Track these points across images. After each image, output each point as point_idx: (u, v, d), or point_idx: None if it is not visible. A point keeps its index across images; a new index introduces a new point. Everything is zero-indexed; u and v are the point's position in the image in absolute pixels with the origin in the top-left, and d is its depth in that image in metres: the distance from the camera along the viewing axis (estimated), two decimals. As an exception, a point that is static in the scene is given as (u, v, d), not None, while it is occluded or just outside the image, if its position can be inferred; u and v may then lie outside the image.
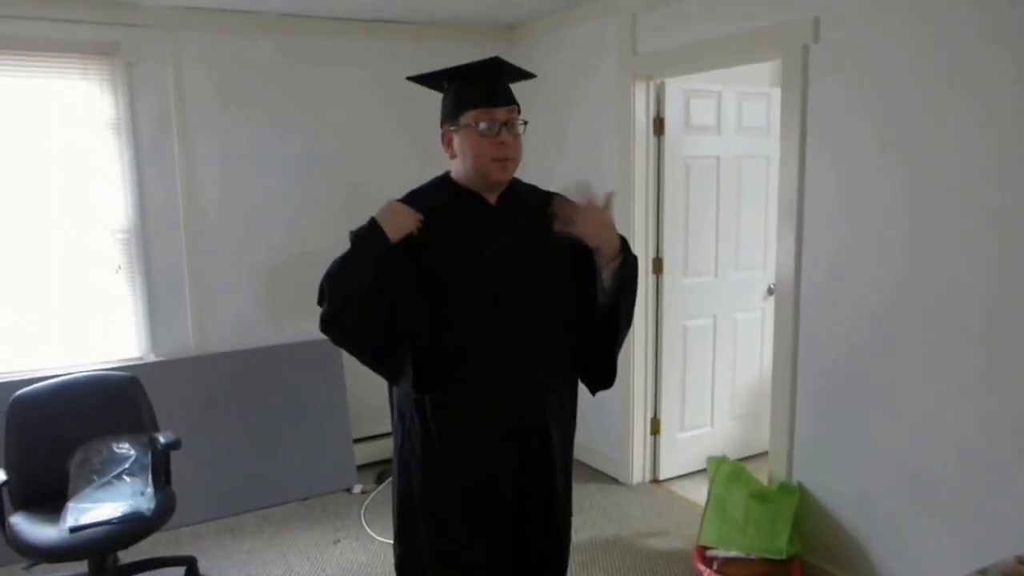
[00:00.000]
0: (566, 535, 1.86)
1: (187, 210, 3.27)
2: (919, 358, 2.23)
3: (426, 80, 1.71)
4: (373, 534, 3.03)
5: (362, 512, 3.23)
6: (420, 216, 1.60)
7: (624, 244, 1.73)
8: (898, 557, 2.34)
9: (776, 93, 3.23)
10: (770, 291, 3.51)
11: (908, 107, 2.20)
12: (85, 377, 2.65)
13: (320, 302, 1.61)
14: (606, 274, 1.70)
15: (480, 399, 1.66)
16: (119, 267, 3.20)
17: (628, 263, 1.72)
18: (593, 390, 1.88)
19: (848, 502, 2.49)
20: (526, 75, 1.74)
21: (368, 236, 1.58)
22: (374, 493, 3.40)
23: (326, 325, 1.60)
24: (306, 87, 3.46)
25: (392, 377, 1.71)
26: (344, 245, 1.61)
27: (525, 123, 1.67)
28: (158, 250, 3.24)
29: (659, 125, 3.24)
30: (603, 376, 1.83)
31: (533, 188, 1.82)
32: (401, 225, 1.58)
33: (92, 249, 3.14)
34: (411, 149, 3.54)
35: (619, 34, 3.22)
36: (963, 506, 2.15)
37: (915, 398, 2.25)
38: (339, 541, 2.99)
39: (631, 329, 3.33)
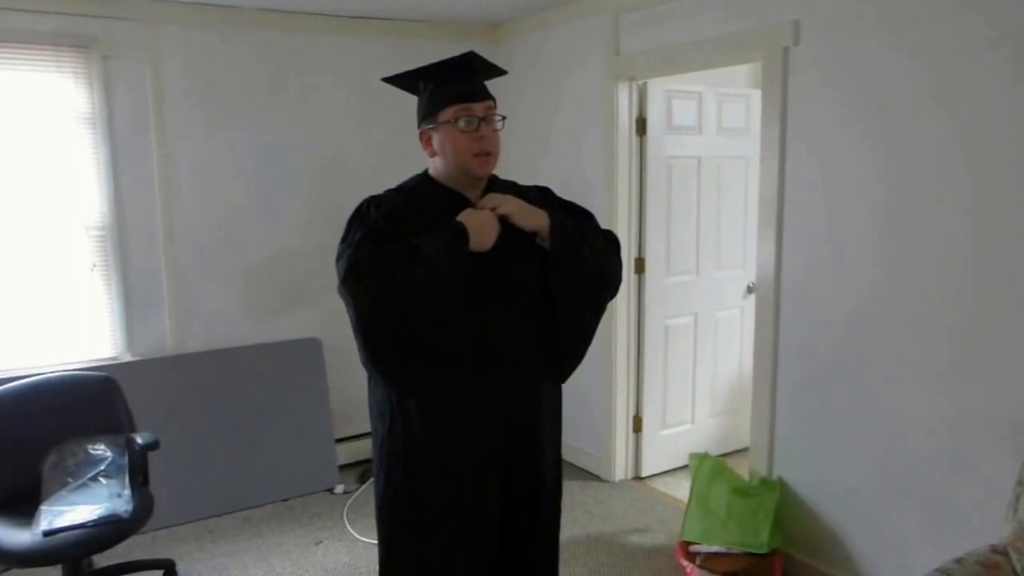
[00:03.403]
0: (555, 534, 1.86)
1: (164, 207, 3.21)
2: (897, 354, 2.28)
3: (401, 80, 1.71)
4: (356, 534, 3.01)
5: (344, 512, 3.20)
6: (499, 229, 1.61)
7: (556, 221, 1.69)
8: (876, 548, 2.39)
9: (755, 95, 3.29)
10: (749, 289, 3.57)
11: (886, 109, 2.25)
12: (58, 377, 2.59)
13: (352, 280, 1.54)
14: (550, 254, 1.68)
15: (465, 397, 1.65)
16: (94, 265, 3.13)
17: (559, 233, 1.67)
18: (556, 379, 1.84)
19: (827, 495, 2.53)
20: (498, 71, 1.75)
21: (452, 239, 1.56)
22: (357, 493, 3.37)
23: (375, 306, 1.54)
24: (287, 84, 3.42)
25: (400, 371, 1.63)
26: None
27: (503, 118, 1.68)
28: (134, 248, 3.18)
29: (642, 125, 3.27)
30: (563, 363, 1.80)
31: (512, 184, 1.83)
32: (488, 240, 1.59)
33: (66, 247, 3.07)
34: (393, 147, 3.52)
35: (602, 34, 3.24)
36: (940, 498, 2.20)
37: (893, 393, 2.30)
38: (321, 542, 2.96)
39: (613, 327, 3.36)
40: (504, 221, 1.65)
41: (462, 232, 1.58)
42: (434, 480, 1.66)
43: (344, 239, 1.62)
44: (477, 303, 1.64)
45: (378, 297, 1.54)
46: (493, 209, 1.65)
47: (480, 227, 1.59)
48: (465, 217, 1.60)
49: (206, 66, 3.25)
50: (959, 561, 1.70)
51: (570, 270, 1.69)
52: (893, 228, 2.26)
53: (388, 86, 1.76)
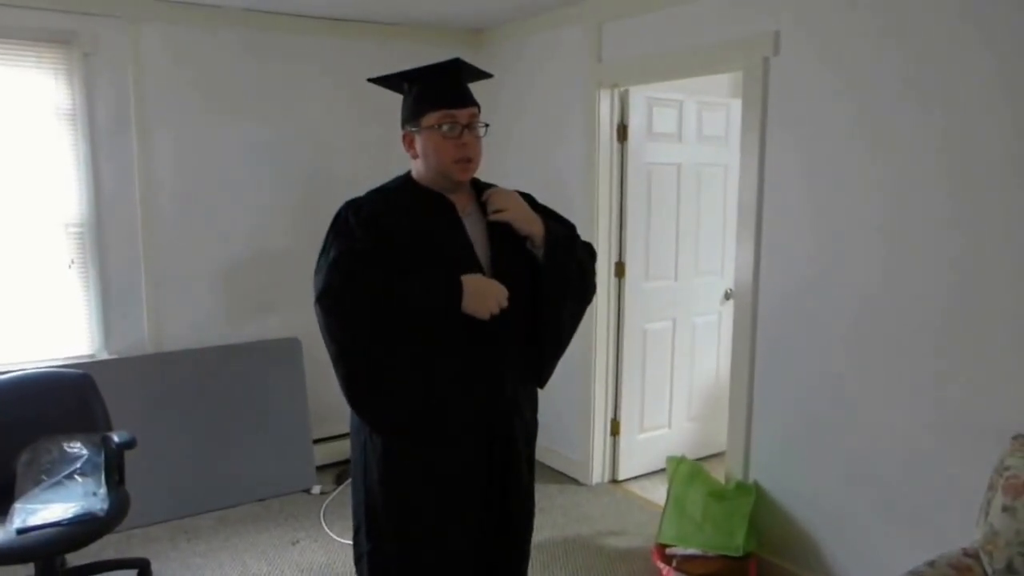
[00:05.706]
0: (528, 535, 1.87)
1: (144, 205, 3.19)
2: (870, 362, 2.33)
3: (387, 82, 1.72)
4: (333, 535, 3.00)
5: (321, 513, 3.19)
6: (505, 305, 1.57)
7: (550, 229, 1.72)
8: (849, 552, 2.43)
9: (734, 104, 3.34)
10: (727, 295, 3.62)
11: (863, 119, 2.30)
12: (34, 374, 2.56)
13: (325, 302, 1.55)
14: (543, 261, 1.70)
15: (447, 404, 1.65)
16: (72, 262, 3.10)
17: (554, 242, 1.70)
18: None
19: (801, 500, 2.57)
20: (484, 75, 1.77)
21: (443, 296, 1.53)
22: (334, 494, 3.36)
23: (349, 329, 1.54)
24: (269, 84, 3.42)
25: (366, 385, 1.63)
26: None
27: (486, 125, 1.70)
28: (113, 245, 3.15)
29: (623, 132, 3.31)
30: (544, 367, 1.81)
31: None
32: (485, 310, 1.54)
33: (44, 243, 3.03)
34: (374, 149, 3.53)
35: (585, 41, 3.28)
36: (911, 502, 2.24)
37: (866, 399, 2.35)
38: (298, 542, 2.95)
39: (592, 331, 3.39)
40: (501, 223, 1.67)
41: (455, 291, 1.54)
42: (413, 482, 1.66)
43: (323, 250, 1.62)
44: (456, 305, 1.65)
45: (350, 327, 1.53)
46: (496, 212, 1.66)
47: (481, 294, 1.55)
48: (469, 280, 1.56)
49: (188, 65, 3.23)
50: (931, 564, 1.74)
51: (560, 278, 1.71)
52: (871, 235, 2.31)
53: (373, 87, 1.77)
